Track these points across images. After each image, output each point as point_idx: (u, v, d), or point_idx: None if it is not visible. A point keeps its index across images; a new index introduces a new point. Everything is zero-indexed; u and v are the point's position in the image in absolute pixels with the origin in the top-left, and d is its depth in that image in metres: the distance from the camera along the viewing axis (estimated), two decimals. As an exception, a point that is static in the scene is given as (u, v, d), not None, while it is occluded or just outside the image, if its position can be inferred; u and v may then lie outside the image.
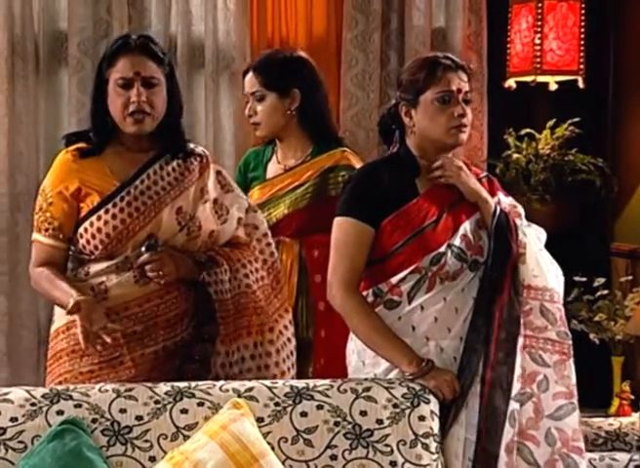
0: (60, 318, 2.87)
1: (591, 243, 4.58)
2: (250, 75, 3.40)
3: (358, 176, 2.84)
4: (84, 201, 2.83)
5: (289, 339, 2.98)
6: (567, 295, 4.15)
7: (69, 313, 2.69)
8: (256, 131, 3.46)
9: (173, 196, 2.85)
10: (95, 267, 2.83)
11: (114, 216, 2.80)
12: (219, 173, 2.98)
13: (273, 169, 3.46)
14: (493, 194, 2.83)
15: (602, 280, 4.30)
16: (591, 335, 4.22)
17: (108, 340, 2.65)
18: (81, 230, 2.83)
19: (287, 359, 2.96)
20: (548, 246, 4.34)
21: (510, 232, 2.74)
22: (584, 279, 4.25)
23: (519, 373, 2.66)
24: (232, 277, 2.87)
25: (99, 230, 2.80)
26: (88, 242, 2.83)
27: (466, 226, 2.75)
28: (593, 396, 4.16)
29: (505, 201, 2.86)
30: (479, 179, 2.84)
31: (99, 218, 2.81)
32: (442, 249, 2.71)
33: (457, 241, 2.73)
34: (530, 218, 4.42)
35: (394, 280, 2.73)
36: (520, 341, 2.68)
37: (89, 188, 2.82)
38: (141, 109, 2.76)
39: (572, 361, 2.74)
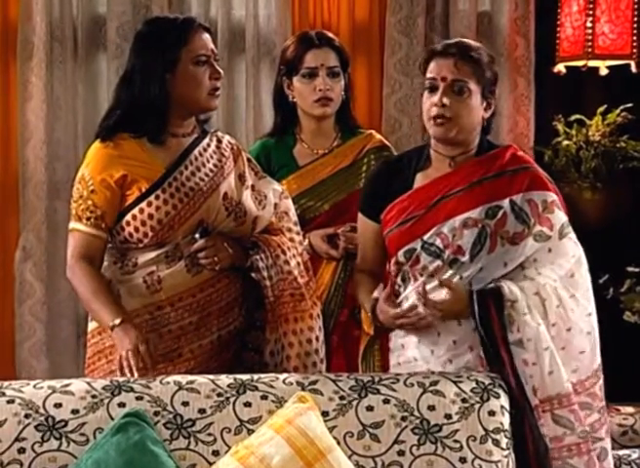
0: None
1: (644, 232, 4.48)
2: (327, 49, 3.31)
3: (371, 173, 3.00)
4: (130, 188, 2.76)
5: (321, 328, 2.92)
6: (620, 286, 4.13)
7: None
8: (326, 107, 3.30)
9: (217, 182, 2.82)
10: (143, 257, 2.77)
11: (165, 202, 2.74)
12: (249, 160, 2.96)
13: (306, 154, 3.36)
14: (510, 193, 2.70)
15: (655, 270, 4.21)
16: (645, 326, 4.15)
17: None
18: (128, 218, 2.76)
19: (323, 346, 2.89)
20: (599, 236, 4.31)
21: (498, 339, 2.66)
22: (638, 269, 4.16)
23: None
24: (273, 263, 2.83)
25: (150, 216, 2.74)
26: (136, 229, 2.75)
27: (445, 224, 2.70)
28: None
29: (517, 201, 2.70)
30: (503, 173, 2.72)
31: (149, 204, 2.74)
32: (414, 244, 2.73)
33: (430, 238, 2.70)
34: (580, 207, 4.45)
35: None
36: None
37: (135, 175, 2.75)
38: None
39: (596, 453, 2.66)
